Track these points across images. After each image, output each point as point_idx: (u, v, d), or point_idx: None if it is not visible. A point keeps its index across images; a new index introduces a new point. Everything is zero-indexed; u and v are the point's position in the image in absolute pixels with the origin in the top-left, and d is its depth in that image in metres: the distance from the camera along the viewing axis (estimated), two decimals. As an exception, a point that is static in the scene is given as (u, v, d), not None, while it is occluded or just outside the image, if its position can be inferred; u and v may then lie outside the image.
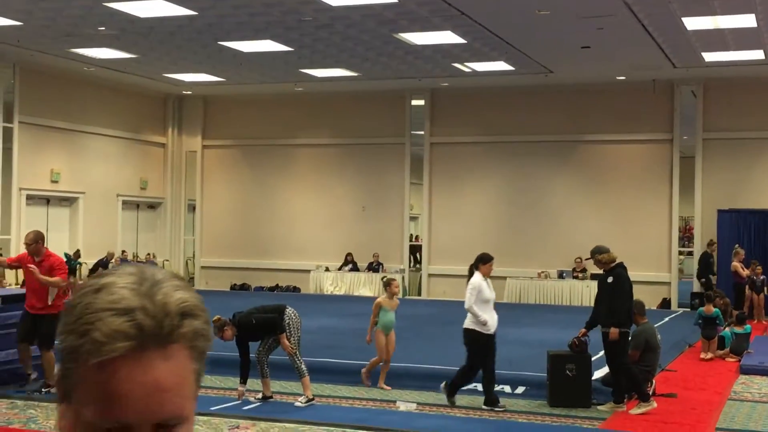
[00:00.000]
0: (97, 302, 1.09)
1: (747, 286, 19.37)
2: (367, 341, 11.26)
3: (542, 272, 23.75)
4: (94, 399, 1.07)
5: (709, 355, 14.11)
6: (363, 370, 11.35)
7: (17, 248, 21.71)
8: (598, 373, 10.79)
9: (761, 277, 19.54)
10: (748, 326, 14.62)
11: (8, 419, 9.27)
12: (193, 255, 27.59)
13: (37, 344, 10.32)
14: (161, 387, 1.08)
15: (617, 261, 10.30)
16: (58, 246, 22.75)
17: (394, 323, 11.52)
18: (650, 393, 10.30)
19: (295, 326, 10.10)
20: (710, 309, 14.38)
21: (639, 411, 9.95)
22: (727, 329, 14.67)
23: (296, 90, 25.18)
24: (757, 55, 19.71)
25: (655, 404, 9.96)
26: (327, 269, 25.54)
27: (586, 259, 11.04)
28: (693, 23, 17.03)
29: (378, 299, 11.43)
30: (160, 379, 1.08)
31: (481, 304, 10.11)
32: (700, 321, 14.42)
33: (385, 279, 12.11)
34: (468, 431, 8.95)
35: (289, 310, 10.15)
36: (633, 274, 10.73)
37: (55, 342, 1.14)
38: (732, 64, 20.68)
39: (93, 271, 23.74)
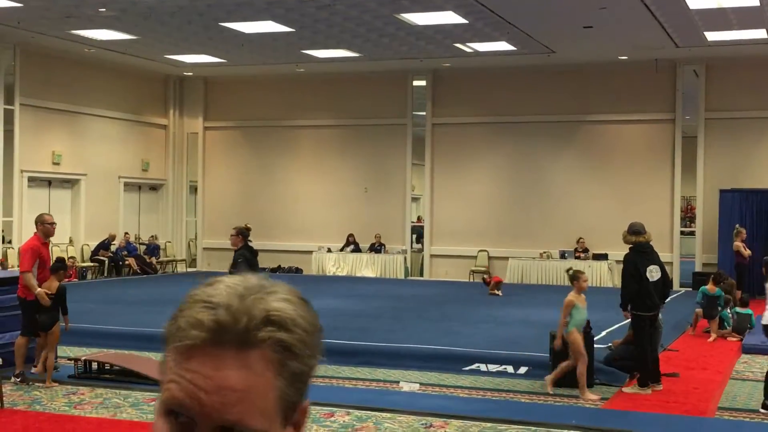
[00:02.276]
0: (198, 294, 1.11)
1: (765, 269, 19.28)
2: (557, 346, 9.98)
3: (544, 252, 23.77)
4: (168, 380, 1.09)
5: (713, 336, 14.15)
6: (549, 378, 10.01)
7: (19, 230, 21.76)
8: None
9: None
10: (718, 290, 14.62)
11: (13, 400, 9.32)
12: (195, 236, 27.62)
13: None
14: (228, 387, 1.06)
15: (637, 242, 10.21)
16: (60, 228, 22.78)
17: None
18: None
19: None
20: (713, 288, 14.40)
21: (631, 391, 10.02)
22: (726, 310, 14.68)
23: (298, 71, 25.12)
24: (760, 34, 19.64)
25: (649, 392, 9.99)
26: (329, 250, 25.57)
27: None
28: (696, 2, 16.96)
29: (569, 297, 10.01)
30: (228, 379, 1.06)
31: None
32: (703, 300, 14.45)
33: (571, 272, 10.35)
34: (471, 411, 8.98)
35: None
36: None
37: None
38: (734, 43, 20.61)
39: (95, 253, 23.82)
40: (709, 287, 14.44)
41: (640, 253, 10.22)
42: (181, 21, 19.26)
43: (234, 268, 10.87)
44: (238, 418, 1.06)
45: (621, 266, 10.58)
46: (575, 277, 10.11)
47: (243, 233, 11.47)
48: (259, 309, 1.08)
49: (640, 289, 10.07)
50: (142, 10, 18.23)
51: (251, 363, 1.07)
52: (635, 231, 10.27)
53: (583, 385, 9.69)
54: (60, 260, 11.02)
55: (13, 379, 9.99)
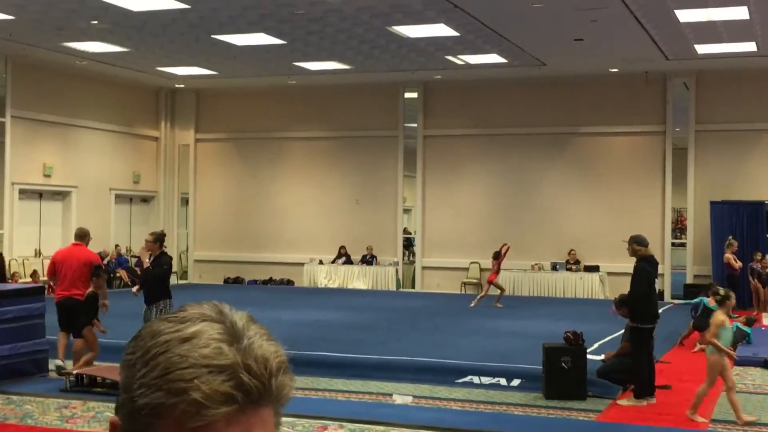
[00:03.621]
0: (191, 355, 1.00)
1: (755, 279, 19.40)
2: (731, 360, 9.56)
3: (536, 264, 23.80)
4: None
5: (698, 347, 14.17)
6: (690, 412, 9.37)
7: (10, 242, 21.70)
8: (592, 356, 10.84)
9: (767, 270, 19.60)
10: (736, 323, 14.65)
11: (4, 414, 9.27)
12: (187, 248, 27.56)
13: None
14: None
15: (645, 254, 10.22)
16: (51, 240, 22.76)
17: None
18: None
19: None
20: (713, 301, 14.40)
21: (627, 403, 10.03)
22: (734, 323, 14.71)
23: (289, 83, 25.15)
24: (750, 47, 19.75)
25: (644, 404, 10.00)
26: (321, 262, 25.55)
27: (622, 241, 10.93)
28: (686, 15, 17.06)
29: (719, 317, 9.40)
30: None
31: None
32: (700, 311, 14.38)
33: (721, 293, 9.76)
34: (465, 424, 8.97)
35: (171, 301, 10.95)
36: (625, 266, 10.76)
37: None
38: (724, 56, 20.72)
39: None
40: (710, 300, 14.43)
41: (651, 264, 10.25)
42: (173, 33, 19.27)
43: (158, 276, 11.02)
44: None
45: (612, 278, 10.60)
46: (727, 296, 9.69)
47: (161, 239, 11.44)
48: (271, 361, 1.04)
49: (651, 302, 10.09)
50: (134, 23, 18.23)
51: (268, 417, 1.04)
52: (645, 242, 10.29)
53: (695, 409, 9.27)
54: (98, 267, 11.39)
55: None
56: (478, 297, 20.28)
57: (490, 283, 20.20)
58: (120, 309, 18.44)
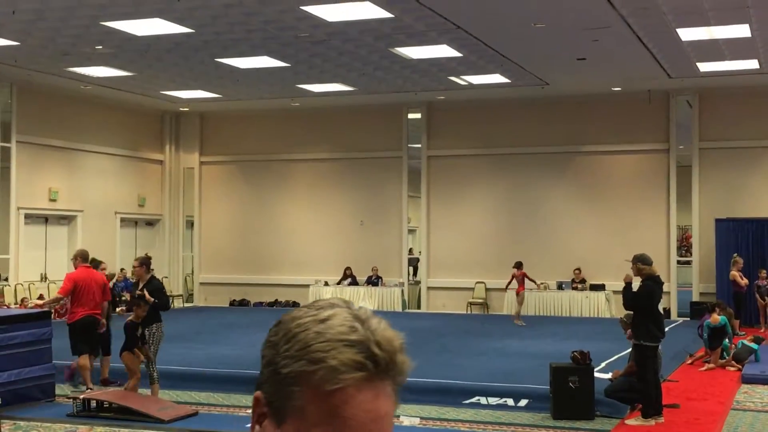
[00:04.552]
0: (328, 332, 1.16)
1: (758, 295, 19.38)
2: None
3: (541, 283, 23.75)
4: (324, 420, 1.14)
5: (706, 366, 14.13)
6: None
7: (16, 267, 21.73)
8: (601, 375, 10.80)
9: (766, 284, 19.59)
10: (722, 317, 14.59)
11: (12, 440, 9.26)
12: (192, 271, 27.57)
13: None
14: (382, 416, 1.16)
15: (651, 273, 10.21)
16: (56, 265, 22.79)
17: None
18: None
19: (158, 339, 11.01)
20: (716, 319, 14.38)
21: (635, 423, 9.98)
22: (725, 339, 14.65)
23: (293, 105, 25.24)
24: (752, 64, 19.80)
25: (653, 423, 9.95)
26: (326, 283, 25.53)
27: (626, 260, 10.91)
28: (688, 34, 17.11)
29: None
30: (381, 408, 1.16)
31: None
32: (707, 334, 14.34)
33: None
34: (472, 445, 8.94)
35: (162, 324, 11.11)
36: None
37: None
38: (727, 74, 20.77)
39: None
40: (712, 319, 14.41)
41: (657, 283, 10.23)
42: (177, 57, 19.37)
43: (156, 300, 11.02)
44: None
45: (619, 296, 10.57)
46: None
47: (146, 263, 11.48)
48: (396, 341, 1.18)
49: (654, 320, 10.05)
50: (138, 47, 18.34)
51: (390, 390, 1.18)
52: (649, 261, 10.27)
53: None
54: (141, 296, 11.47)
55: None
56: (517, 313, 20.74)
57: (518, 294, 20.81)
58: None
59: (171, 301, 25.74)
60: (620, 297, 10.79)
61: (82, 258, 12.07)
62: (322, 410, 1.14)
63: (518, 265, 20.94)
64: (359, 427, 1.14)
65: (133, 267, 11.46)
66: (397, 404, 1.20)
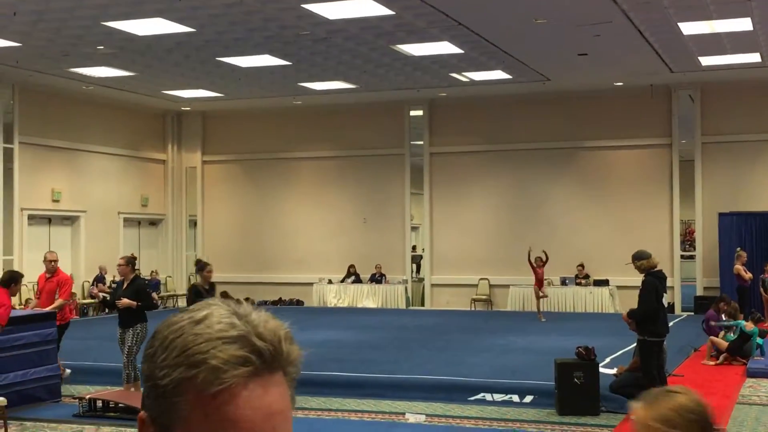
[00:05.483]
0: (206, 332, 1.08)
1: (762, 289, 19.34)
2: None
3: (545, 279, 23.72)
4: (213, 427, 1.05)
5: (713, 361, 14.12)
6: None
7: (20, 268, 21.65)
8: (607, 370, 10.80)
9: None
10: (755, 328, 14.57)
11: (18, 441, 9.28)
12: (195, 271, 27.53)
13: None
14: (275, 411, 1.08)
15: (653, 269, 10.18)
16: (61, 265, 22.73)
17: None
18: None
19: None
20: (750, 326, 14.34)
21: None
22: (730, 334, 14.63)
23: (295, 103, 25.24)
24: (754, 58, 19.77)
25: None
26: (330, 282, 25.54)
27: (626, 264, 10.88)
28: (689, 28, 17.09)
29: None
30: (273, 404, 1.08)
31: None
32: (737, 335, 14.23)
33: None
34: (478, 442, 8.94)
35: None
36: (634, 280, 10.70)
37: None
38: (729, 67, 20.74)
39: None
40: (747, 324, 14.35)
41: (659, 279, 10.20)
42: (178, 56, 19.38)
43: (142, 298, 11.23)
44: None
45: (622, 291, 10.56)
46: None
47: (132, 262, 11.62)
48: (279, 330, 1.11)
49: (657, 315, 10.03)
50: (139, 47, 18.34)
51: (281, 382, 1.10)
52: (646, 255, 10.22)
53: None
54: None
55: None
56: (539, 310, 20.68)
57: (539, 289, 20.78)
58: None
59: (159, 301, 25.76)
60: (624, 292, 10.79)
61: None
62: (210, 416, 1.05)
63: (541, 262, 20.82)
64: (250, 427, 1.05)
65: (119, 265, 11.51)
66: (294, 400, 1.12)
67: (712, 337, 14.48)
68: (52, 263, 12.23)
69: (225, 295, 11.34)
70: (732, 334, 14.42)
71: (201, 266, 12.30)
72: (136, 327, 11.05)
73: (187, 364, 1.06)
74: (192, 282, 11.44)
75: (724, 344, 14.12)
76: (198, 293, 11.49)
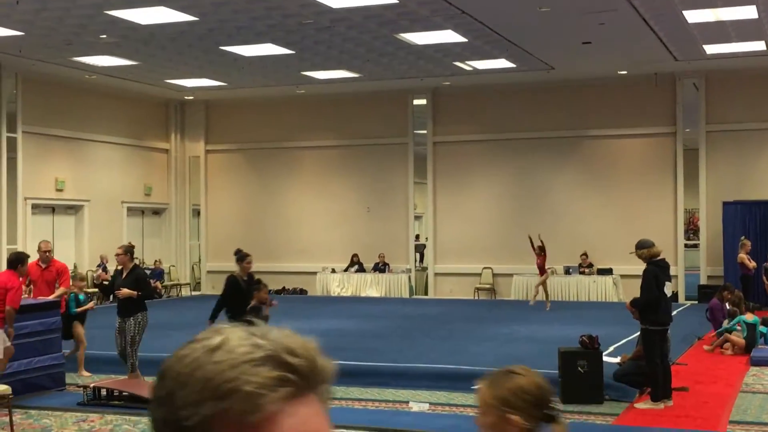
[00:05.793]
0: (229, 358, 0.93)
1: (765, 278, 19.31)
2: None
3: (549, 268, 23.71)
4: None
5: (721, 350, 14.11)
6: None
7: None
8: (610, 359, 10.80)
9: None
10: (756, 318, 14.57)
11: (23, 429, 9.30)
12: (199, 260, 27.61)
13: None
14: None
15: (655, 257, 10.15)
16: (64, 254, 22.80)
17: None
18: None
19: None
20: (750, 316, 14.31)
21: (644, 406, 9.98)
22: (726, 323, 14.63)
23: (298, 92, 25.21)
24: (759, 46, 19.71)
25: (662, 406, 9.94)
26: (333, 271, 25.56)
27: (630, 253, 10.85)
28: (694, 16, 17.03)
29: None
30: (321, 426, 0.97)
31: None
32: (745, 329, 14.20)
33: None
34: (482, 430, 8.94)
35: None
36: (638, 268, 10.66)
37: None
38: (734, 56, 20.67)
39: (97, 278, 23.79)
40: (747, 315, 14.33)
41: (660, 268, 10.17)
42: (181, 45, 19.35)
43: (142, 288, 11.27)
44: None
45: (626, 280, 10.55)
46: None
47: (130, 251, 11.59)
48: (309, 344, 0.99)
49: (658, 304, 10.01)
50: (142, 36, 18.32)
51: (319, 401, 0.99)
52: (648, 243, 10.20)
53: None
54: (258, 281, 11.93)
55: None
56: (547, 301, 20.58)
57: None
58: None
59: (163, 291, 25.73)
60: (627, 281, 10.77)
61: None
62: None
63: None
64: None
65: (117, 255, 11.45)
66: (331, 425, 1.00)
67: (727, 335, 14.35)
68: (47, 253, 12.24)
69: (260, 283, 11.23)
70: (738, 328, 14.39)
71: (241, 257, 11.84)
72: (137, 315, 11.07)
73: (215, 397, 0.91)
74: (231, 273, 11.30)
75: (742, 342, 14.06)
76: (235, 285, 11.34)
